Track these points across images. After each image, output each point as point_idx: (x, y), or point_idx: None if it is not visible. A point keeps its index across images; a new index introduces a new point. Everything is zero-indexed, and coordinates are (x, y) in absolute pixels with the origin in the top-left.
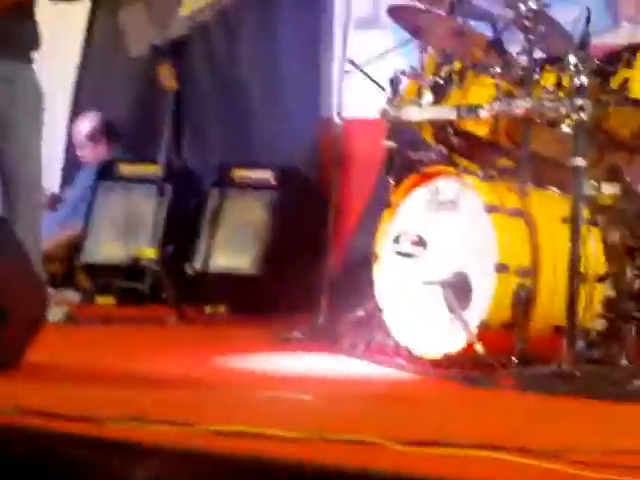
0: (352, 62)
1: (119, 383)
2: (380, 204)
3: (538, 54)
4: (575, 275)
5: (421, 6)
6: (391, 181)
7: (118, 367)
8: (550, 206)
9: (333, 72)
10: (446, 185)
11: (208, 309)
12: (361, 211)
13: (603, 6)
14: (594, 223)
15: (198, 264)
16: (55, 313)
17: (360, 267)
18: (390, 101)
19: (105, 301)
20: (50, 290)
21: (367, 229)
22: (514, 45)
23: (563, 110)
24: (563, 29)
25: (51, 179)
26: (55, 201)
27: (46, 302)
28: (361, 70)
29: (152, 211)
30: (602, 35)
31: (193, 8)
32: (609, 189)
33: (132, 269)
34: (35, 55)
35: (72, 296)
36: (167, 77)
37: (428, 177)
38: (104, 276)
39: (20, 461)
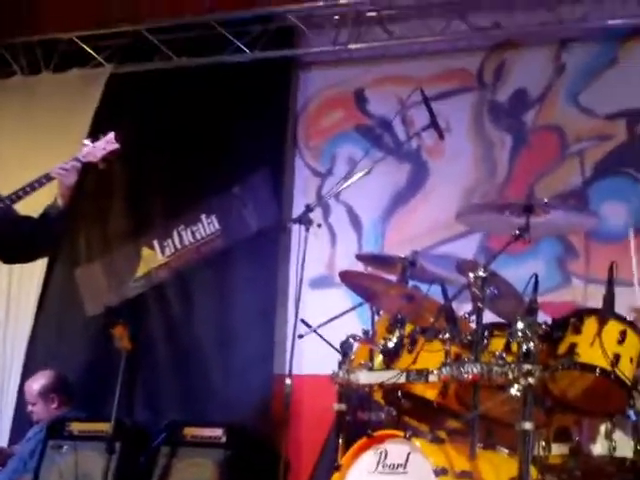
0: (305, 322)
1: None
2: (330, 464)
3: (489, 316)
4: None
5: (373, 271)
6: (340, 443)
7: None
8: (499, 467)
9: (287, 330)
10: (395, 448)
11: None
12: (311, 470)
13: (554, 264)
14: None
15: None
16: None
17: None
18: (340, 364)
19: None
20: None
21: None
22: (465, 307)
23: (511, 375)
24: (514, 291)
25: (1, 434)
26: (5, 456)
27: None
28: (314, 330)
29: (100, 468)
30: (554, 292)
31: (150, 268)
32: (558, 449)
33: None
34: None
35: None
36: (121, 338)
37: (377, 440)
38: None
39: None
